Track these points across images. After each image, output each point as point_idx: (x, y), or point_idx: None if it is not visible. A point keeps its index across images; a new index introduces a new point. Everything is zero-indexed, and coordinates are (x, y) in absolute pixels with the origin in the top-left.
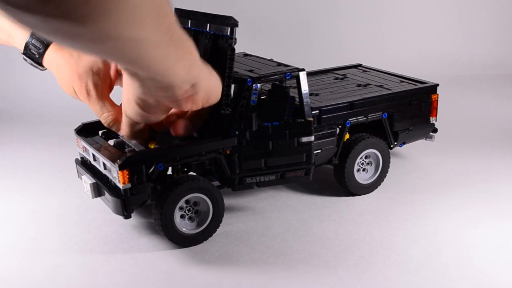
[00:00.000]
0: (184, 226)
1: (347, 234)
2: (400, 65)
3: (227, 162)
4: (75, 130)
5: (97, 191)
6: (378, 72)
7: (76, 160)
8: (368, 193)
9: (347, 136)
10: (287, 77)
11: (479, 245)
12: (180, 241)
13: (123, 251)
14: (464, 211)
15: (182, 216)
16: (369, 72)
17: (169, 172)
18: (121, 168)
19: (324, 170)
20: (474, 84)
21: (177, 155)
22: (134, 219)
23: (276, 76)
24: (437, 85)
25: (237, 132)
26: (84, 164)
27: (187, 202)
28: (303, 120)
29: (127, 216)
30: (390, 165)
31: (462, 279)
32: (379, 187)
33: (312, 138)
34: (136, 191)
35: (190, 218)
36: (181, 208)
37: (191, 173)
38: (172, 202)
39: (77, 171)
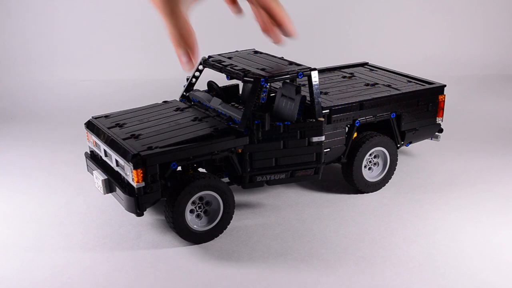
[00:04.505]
0: (195, 223)
1: (347, 234)
2: (400, 65)
3: (239, 160)
4: (85, 124)
5: (109, 188)
6: (385, 71)
7: (86, 154)
8: (375, 191)
9: (355, 134)
10: (299, 77)
11: (479, 245)
12: (188, 237)
13: (123, 251)
14: (465, 211)
15: (191, 211)
16: (376, 71)
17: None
18: (135, 167)
19: (330, 169)
20: (474, 84)
21: (191, 154)
22: (134, 218)
23: (288, 76)
24: (445, 85)
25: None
26: (94, 159)
27: (200, 199)
28: (314, 120)
29: (140, 214)
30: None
31: (462, 279)
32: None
33: (323, 138)
34: (150, 189)
35: (198, 216)
36: (193, 203)
37: (200, 169)
38: (185, 198)
39: (87, 165)
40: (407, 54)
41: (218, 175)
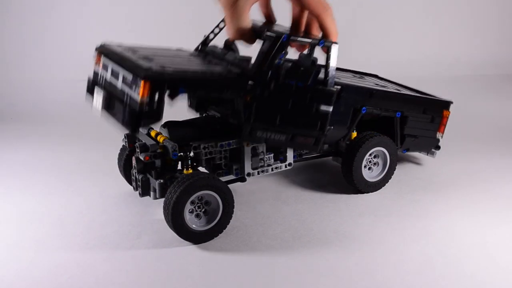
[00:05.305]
0: (194, 222)
1: (347, 234)
2: (400, 66)
3: (244, 108)
4: (96, 46)
5: (107, 105)
6: (393, 84)
7: (89, 77)
8: (375, 191)
9: (355, 134)
10: (321, 45)
11: (479, 245)
12: (188, 237)
13: (123, 251)
14: (465, 211)
15: (190, 211)
16: (385, 81)
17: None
18: (144, 80)
19: (330, 169)
20: (474, 84)
21: (200, 83)
22: (134, 218)
23: (310, 40)
24: (451, 102)
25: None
26: (97, 83)
27: (199, 199)
28: (326, 88)
29: (134, 130)
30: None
31: (462, 279)
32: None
33: (331, 108)
34: (152, 108)
35: (197, 216)
36: (192, 203)
37: (201, 168)
38: (184, 197)
39: (87, 87)
40: (407, 54)
41: (217, 174)
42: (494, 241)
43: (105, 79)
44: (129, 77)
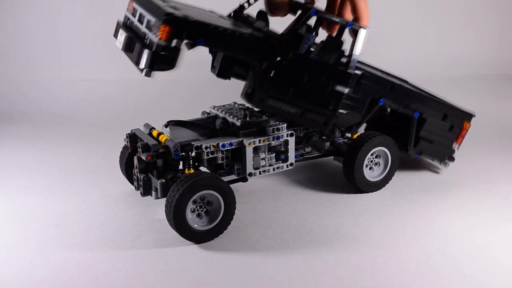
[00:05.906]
0: (196, 222)
1: (347, 234)
2: (400, 65)
3: (259, 73)
4: None
5: (128, 46)
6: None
7: (118, 20)
8: (375, 191)
9: (355, 135)
10: (348, 27)
11: (480, 245)
12: (189, 236)
13: (123, 251)
14: (465, 211)
15: (192, 210)
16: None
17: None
18: (164, 23)
19: (330, 169)
20: (474, 84)
21: (219, 37)
22: (134, 218)
23: (338, 20)
24: (474, 115)
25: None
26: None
27: (201, 198)
28: (345, 70)
29: (148, 71)
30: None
31: (462, 279)
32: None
33: (346, 90)
34: (168, 53)
35: (198, 215)
36: (194, 202)
37: (203, 168)
38: (186, 197)
39: (115, 29)
40: (407, 54)
41: (219, 174)
42: (494, 241)
43: (132, 22)
44: (153, 20)
